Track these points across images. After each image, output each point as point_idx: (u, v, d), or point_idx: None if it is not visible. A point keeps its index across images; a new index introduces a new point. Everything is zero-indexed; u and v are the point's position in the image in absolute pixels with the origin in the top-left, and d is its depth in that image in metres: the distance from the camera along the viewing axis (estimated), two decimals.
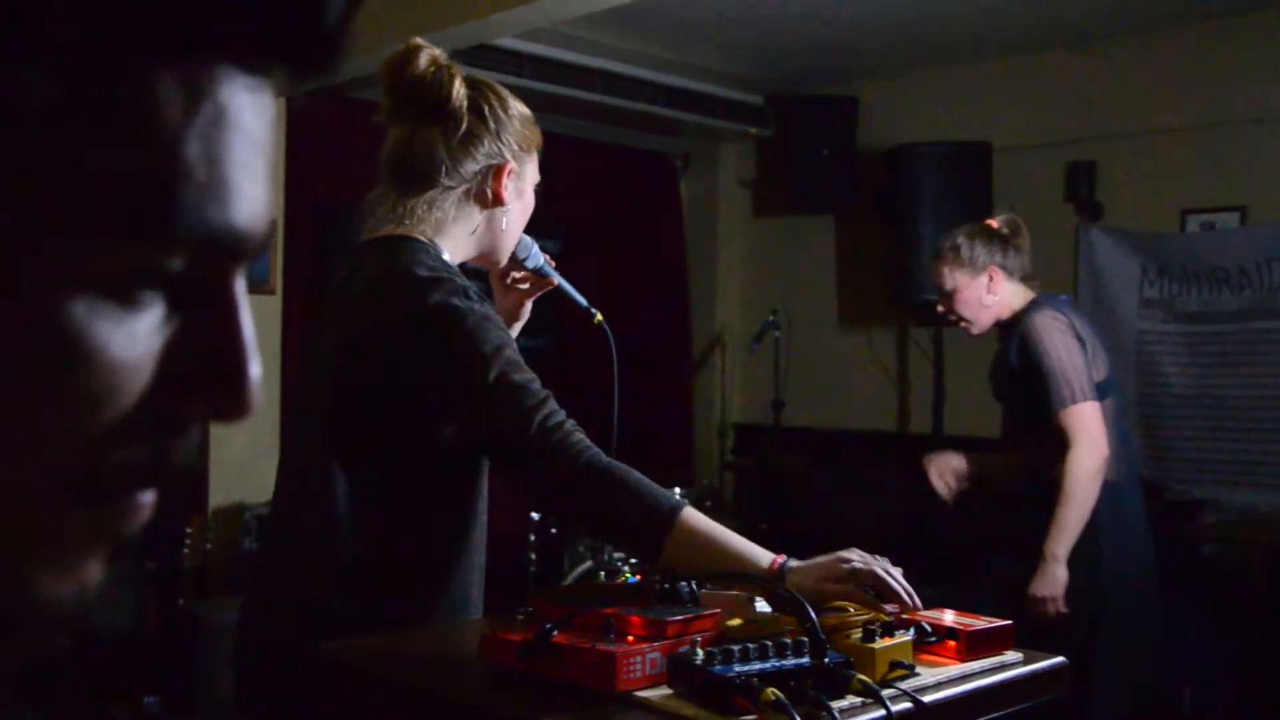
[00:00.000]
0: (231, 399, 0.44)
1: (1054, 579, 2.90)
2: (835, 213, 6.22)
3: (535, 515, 4.61)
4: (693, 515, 1.52)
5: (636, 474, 1.55)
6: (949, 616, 1.48)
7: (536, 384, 1.58)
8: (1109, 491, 2.97)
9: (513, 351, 1.61)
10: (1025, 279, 3.17)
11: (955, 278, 3.15)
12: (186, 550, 4.03)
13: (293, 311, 4.95)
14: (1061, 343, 2.96)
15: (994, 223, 3.22)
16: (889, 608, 1.44)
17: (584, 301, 1.97)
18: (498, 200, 1.76)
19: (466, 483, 1.72)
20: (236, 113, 0.41)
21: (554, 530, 4.71)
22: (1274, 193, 4.87)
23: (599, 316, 1.97)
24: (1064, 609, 2.88)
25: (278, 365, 4.85)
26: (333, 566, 1.66)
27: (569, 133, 5.79)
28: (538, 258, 1.92)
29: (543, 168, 1.85)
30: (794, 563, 1.50)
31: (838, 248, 6.30)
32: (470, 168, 1.74)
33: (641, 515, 1.51)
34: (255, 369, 0.45)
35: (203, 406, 0.44)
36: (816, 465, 5.94)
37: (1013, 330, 3.08)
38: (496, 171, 1.75)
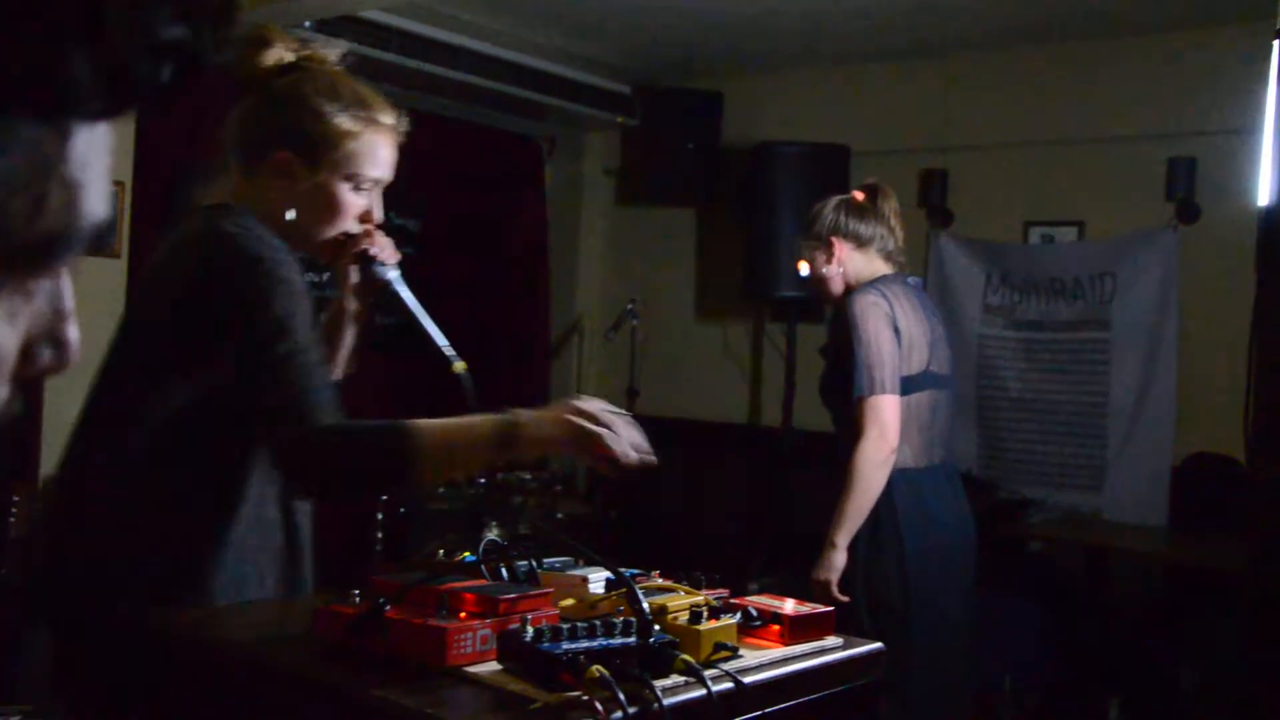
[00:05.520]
0: (57, 356, 0.52)
1: (829, 564, 2.94)
2: (697, 206, 6.30)
3: (383, 495, 4.56)
4: (417, 427, 1.56)
5: (354, 423, 1.59)
6: (789, 604, 1.53)
7: (317, 363, 1.62)
8: (911, 477, 3.00)
9: (305, 322, 1.63)
10: (884, 251, 3.13)
11: (804, 248, 3.17)
12: (13, 520, 3.87)
13: (137, 274, 4.79)
14: (875, 330, 2.95)
15: (857, 194, 3.19)
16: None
17: (443, 342, 1.84)
18: (273, 188, 1.76)
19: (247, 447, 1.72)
20: (101, 140, 0.50)
21: (402, 510, 4.67)
22: (1109, 210, 5.13)
23: (460, 365, 1.82)
24: (840, 596, 2.91)
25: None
26: (106, 531, 1.67)
27: (434, 111, 5.73)
28: (384, 274, 1.86)
29: (406, 146, 1.83)
30: (523, 412, 1.55)
31: (698, 241, 6.39)
32: (253, 151, 1.77)
33: (379, 457, 1.57)
34: (74, 332, 0.53)
35: (41, 364, 0.52)
36: (668, 455, 6.00)
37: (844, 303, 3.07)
38: (270, 161, 1.75)
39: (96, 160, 0.49)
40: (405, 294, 1.86)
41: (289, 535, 1.77)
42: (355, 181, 1.78)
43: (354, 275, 1.87)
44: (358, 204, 1.79)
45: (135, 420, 1.68)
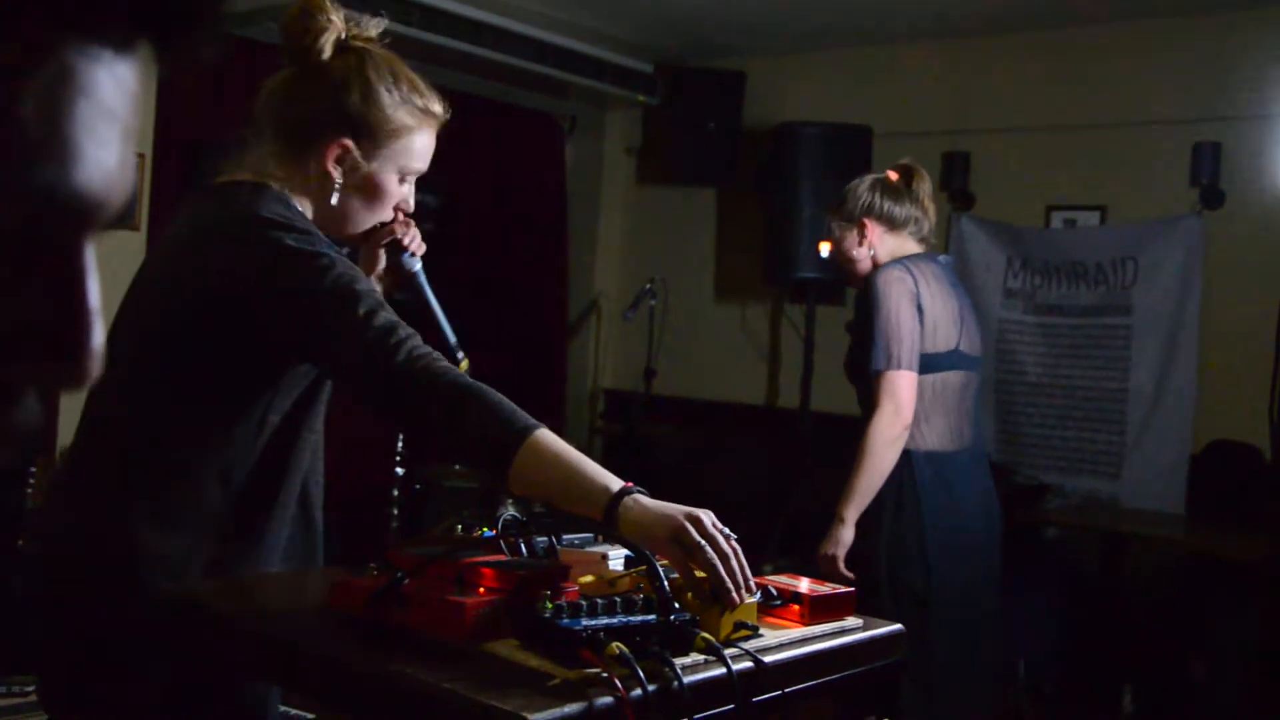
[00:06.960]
0: (67, 367, 0.43)
1: (837, 539, 2.92)
2: (718, 186, 6.27)
3: (400, 470, 4.57)
4: (546, 436, 1.45)
5: (499, 395, 1.49)
6: (804, 583, 1.52)
7: (403, 324, 1.55)
8: (937, 460, 2.98)
9: (376, 292, 1.60)
10: (918, 235, 3.09)
11: (835, 227, 3.12)
12: (30, 491, 3.89)
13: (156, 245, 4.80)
14: (895, 305, 2.92)
15: (891, 174, 3.14)
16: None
17: (453, 338, 1.82)
18: (324, 174, 1.70)
19: (288, 431, 1.68)
20: (85, 79, 0.41)
21: (418, 486, 4.68)
22: (1132, 195, 5.09)
23: (465, 363, 1.75)
24: (847, 571, 2.88)
25: None
26: (130, 511, 1.59)
27: (455, 87, 5.71)
28: (412, 265, 1.85)
29: None
30: (641, 497, 1.40)
31: (718, 221, 6.36)
32: (301, 132, 1.69)
33: (494, 430, 1.45)
34: (97, 337, 0.44)
35: (38, 372, 0.43)
36: (684, 434, 6.01)
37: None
38: (324, 146, 1.69)
39: (90, 113, 0.41)
40: (426, 286, 1.87)
41: (306, 534, 1.76)
42: (405, 174, 1.75)
43: (382, 261, 1.85)
44: (400, 194, 1.77)
45: (149, 415, 1.62)
